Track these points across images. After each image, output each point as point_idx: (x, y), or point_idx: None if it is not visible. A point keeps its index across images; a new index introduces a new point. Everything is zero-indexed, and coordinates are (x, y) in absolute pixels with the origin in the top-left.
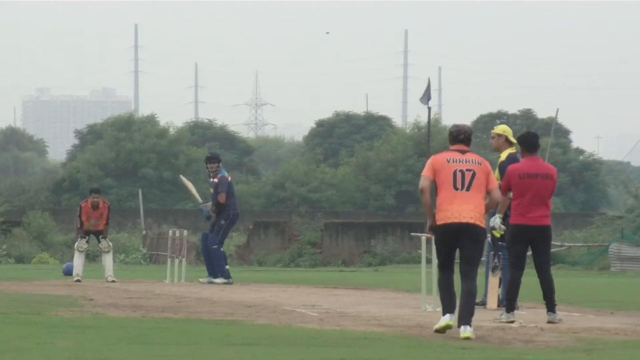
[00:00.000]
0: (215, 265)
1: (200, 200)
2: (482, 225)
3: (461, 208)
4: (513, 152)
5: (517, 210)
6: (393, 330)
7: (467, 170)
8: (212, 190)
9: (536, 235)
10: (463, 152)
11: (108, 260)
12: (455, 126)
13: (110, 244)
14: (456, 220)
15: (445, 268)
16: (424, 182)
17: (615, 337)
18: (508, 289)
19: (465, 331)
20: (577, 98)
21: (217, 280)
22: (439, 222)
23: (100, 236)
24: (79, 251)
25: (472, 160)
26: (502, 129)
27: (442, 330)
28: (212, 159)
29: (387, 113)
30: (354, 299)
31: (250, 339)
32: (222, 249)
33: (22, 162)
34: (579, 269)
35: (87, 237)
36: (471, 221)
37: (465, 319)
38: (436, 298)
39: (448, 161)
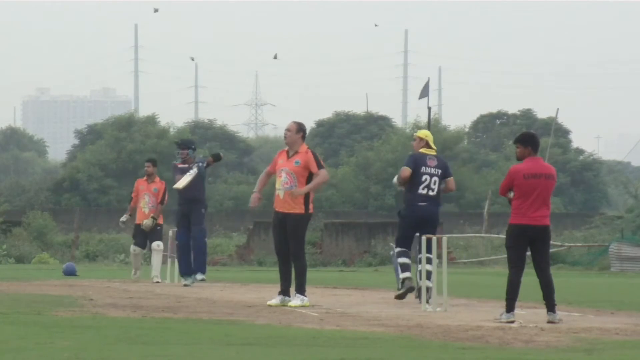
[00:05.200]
0: (204, 259)
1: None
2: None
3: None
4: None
5: (519, 210)
6: (393, 330)
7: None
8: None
9: (537, 235)
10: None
11: (156, 259)
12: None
13: (160, 243)
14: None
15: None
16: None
17: (615, 337)
18: (508, 289)
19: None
20: (577, 98)
21: (200, 276)
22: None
23: (153, 230)
24: (134, 254)
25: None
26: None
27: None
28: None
29: (387, 113)
30: (354, 299)
31: (250, 339)
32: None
33: (22, 162)
34: (579, 269)
35: (138, 241)
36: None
37: (292, 290)
38: (437, 298)
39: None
